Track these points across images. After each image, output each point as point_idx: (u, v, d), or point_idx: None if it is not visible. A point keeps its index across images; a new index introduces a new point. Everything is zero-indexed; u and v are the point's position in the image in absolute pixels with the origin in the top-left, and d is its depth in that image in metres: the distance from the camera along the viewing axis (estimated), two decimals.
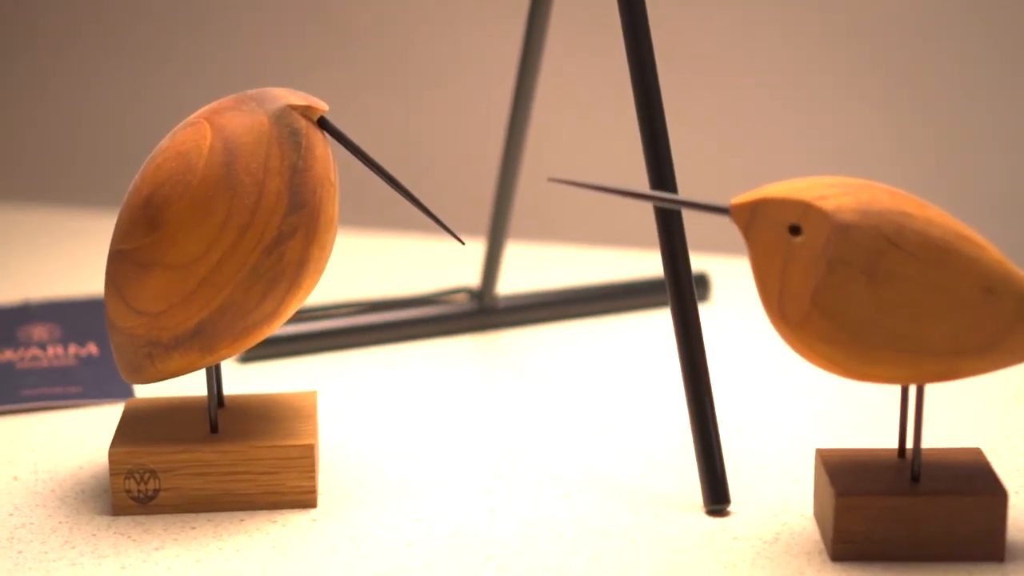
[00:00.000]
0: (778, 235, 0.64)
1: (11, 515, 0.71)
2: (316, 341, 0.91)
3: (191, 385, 0.86)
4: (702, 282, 0.98)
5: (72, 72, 1.44)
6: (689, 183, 1.28)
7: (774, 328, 0.65)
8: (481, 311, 0.94)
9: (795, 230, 0.63)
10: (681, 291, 0.71)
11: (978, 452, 0.69)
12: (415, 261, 1.07)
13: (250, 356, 0.90)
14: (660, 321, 0.94)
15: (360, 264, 1.07)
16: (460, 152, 1.39)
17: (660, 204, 0.65)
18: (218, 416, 0.73)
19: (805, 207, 0.63)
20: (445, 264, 1.06)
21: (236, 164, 0.68)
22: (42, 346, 0.90)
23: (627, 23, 0.72)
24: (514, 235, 1.16)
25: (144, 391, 0.85)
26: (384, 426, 0.80)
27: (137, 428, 0.73)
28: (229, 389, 0.86)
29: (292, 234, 0.68)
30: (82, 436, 0.79)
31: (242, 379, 0.87)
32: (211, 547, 0.68)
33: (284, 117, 0.69)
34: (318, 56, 1.38)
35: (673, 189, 0.71)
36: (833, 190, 0.63)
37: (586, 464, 0.75)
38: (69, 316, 0.94)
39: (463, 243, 0.72)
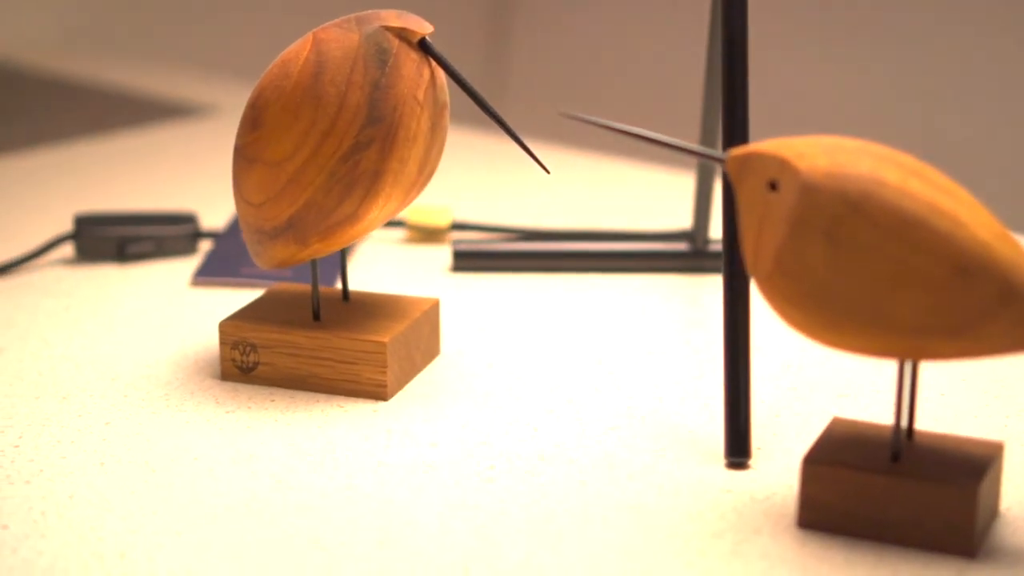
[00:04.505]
0: (758, 190, 0.63)
1: (148, 366, 0.81)
2: (533, 260, 0.96)
3: (395, 282, 0.93)
4: None
5: None
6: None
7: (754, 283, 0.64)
8: (693, 254, 0.96)
9: (773, 186, 0.62)
10: (732, 240, 0.71)
11: (997, 446, 0.65)
12: (670, 191, 1.09)
13: (463, 267, 0.96)
14: None
15: (604, 192, 1.10)
16: (671, 82, 1.40)
17: (663, 147, 0.66)
18: (329, 306, 0.80)
19: (781, 163, 0.62)
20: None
21: (324, 75, 0.74)
22: None
23: None
24: None
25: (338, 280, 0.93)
26: (521, 345, 0.84)
27: (260, 307, 0.81)
28: (434, 291, 0.92)
29: (368, 145, 0.74)
30: None
31: (447, 284, 0.93)
32: (269, 418, 0.75)
33: (375, 36, 0.74)
34: None
35: (744, 135, 0.71)
36: (815, 149, 0.62)
37: (659, 404, 0.77)
38: None
39: (548, 172, 0.75)
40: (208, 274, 0.94)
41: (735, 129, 0.71)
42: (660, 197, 1.11)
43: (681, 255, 0.96)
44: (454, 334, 0.86)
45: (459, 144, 1.26)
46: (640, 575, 0.61)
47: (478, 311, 0.89)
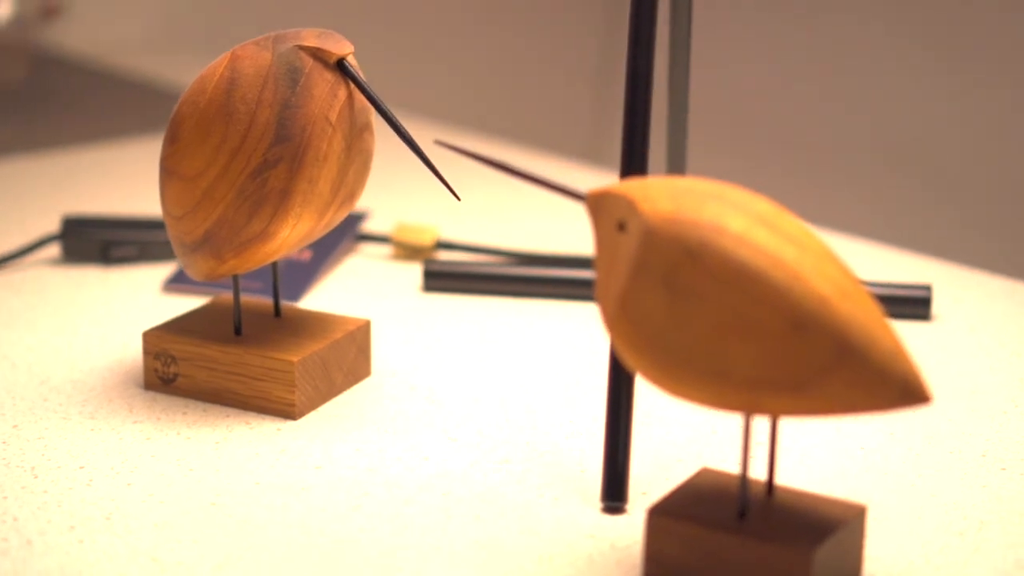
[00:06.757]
0: (611, 230, 0.61)
1: (82, 371, 0.82)
2: (504, 284, 0.95)
3: (365, 300, 0.93)
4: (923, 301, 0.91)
5: None
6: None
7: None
8: None
9: (622, 227, 0.61)
10: None
11: (858, 509, 0.62)
12: None
13: (433, 287, 0.95)
14: None
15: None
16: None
17: (525, 182, 0.65)
18: (257, 321, 0.80)
19: (629, 205, 0.60)
20: None
21: (235, 93, 0.74)
22: None
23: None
24: None
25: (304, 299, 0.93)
26: (455, 370, 0.83)
27: (190, 318, 0.81)
28: (400, 310, 0.92)
29: (276, 163, 0.74)
30: None
31: (415, 303, 0.93)
32: (172, 431, 0.76)
33: (287, 56, 0.74)
34: None
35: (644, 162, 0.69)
36: (664, 192, 0.60)
37: (564, 439, 0.75)
38: (343, 223, 1.03)
39: (459, 199, 0.74)
40: (179, 281, 0.95)
41: (633, 162, 0.69)
42: None
43: None
44: (396, 355, 0.85)
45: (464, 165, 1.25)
46: None
47: (432, 333, 0.89)
